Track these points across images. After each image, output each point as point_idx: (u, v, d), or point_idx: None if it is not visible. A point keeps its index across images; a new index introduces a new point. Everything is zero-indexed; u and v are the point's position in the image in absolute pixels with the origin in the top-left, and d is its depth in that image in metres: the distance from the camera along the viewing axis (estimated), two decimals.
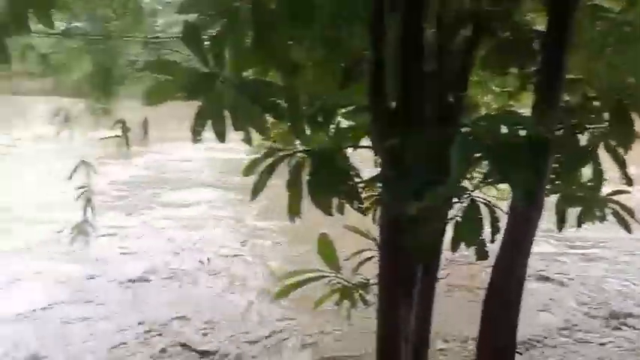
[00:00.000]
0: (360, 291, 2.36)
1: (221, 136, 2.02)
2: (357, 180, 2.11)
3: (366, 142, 2.38)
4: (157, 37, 4.06)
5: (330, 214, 2.05)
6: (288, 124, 2.22)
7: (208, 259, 6.08)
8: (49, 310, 4.70)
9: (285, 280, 2.40)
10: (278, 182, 2.13)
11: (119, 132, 3.24)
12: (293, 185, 1.99)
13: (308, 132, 2.24)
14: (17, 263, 5.76)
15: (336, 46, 2.22)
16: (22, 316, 4.53)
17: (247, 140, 2.14)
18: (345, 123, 2.48)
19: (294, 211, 1.98)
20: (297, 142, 2.29)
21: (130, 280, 5.39)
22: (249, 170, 2.06)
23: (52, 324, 4.42)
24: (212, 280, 5.55)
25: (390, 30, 1.87)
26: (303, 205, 2.02)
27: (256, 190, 2.02)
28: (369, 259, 2.44)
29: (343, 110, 2.50)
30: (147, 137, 3.07)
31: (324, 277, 2.30)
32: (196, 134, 2.03)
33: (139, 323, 4.42)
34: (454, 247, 1.95)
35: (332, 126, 2.40)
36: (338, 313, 2.68)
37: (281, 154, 2.07)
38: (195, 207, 8.52)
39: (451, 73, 1.95)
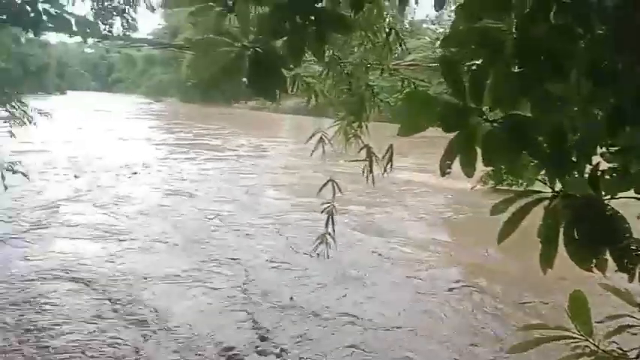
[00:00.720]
0: None
1: (469, 172, 1.96)
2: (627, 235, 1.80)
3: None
4: (398, 64, 4.20)
5: (590, 271, 1.79)
6: (536, 162, 2.05)
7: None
8: None
9: (523, 331, 2.19)
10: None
11: (364, 156, 3.45)
12: (548, 233, 1.79)
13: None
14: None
15: (609, 80, 1.97)
16: None
17: (496, 178, 2.03)
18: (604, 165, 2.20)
19: (547, 262, 1.77)
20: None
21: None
22: (498, 209, 1.93)
23: None
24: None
25: None
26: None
27: (504, 234, 1.87)
28: (628, 327, 2.08)
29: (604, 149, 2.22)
30: (390, 163, 3.20)
31: (569, 337, 2.02)
32: (444, 167, 2.00)
33: None
34: None
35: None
36: None
37: (537, 196, 1.89)
38: None
39: None
